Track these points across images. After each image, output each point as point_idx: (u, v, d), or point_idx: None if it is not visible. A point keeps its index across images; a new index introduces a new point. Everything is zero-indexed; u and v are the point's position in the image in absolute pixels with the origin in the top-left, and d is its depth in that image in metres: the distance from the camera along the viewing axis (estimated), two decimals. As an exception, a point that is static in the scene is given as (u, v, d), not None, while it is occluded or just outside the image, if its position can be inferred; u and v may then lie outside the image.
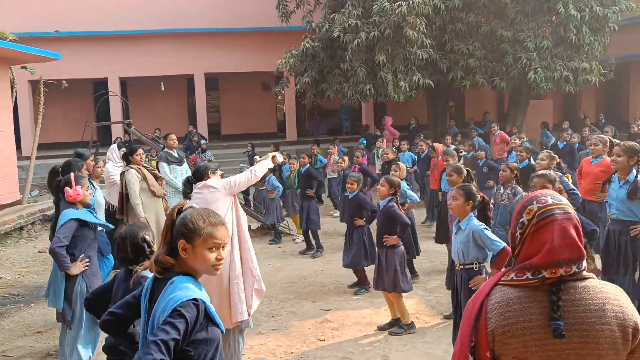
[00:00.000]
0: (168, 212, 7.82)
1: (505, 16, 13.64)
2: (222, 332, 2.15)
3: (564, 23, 13.11)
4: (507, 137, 12.50)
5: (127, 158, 7.00)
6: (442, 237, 7.47)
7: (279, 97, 24.07)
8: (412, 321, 5.56)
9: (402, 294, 5.52)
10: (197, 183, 4.55)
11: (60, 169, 4.89)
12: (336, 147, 13.06)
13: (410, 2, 11.72)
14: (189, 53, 18.40)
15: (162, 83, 18.55)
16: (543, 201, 1.68)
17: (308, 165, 9.39)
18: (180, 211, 2.18)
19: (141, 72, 18.51)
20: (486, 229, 4.18)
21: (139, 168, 6.93)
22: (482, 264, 4.26)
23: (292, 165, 10.20)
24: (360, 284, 6.94)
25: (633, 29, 16.35)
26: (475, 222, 4.22)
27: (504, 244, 4.12)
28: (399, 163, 7.94)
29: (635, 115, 19.63)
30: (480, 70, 13.77)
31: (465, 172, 5.49)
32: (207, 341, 2.08)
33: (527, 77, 13.02)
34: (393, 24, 12.10)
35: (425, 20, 12.33)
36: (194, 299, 2.04)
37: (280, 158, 5.07)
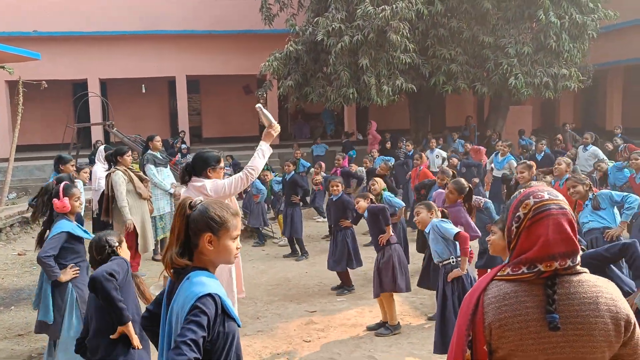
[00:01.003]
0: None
1: (487, 22, 13.83)
2: (238, 326, 2.15)
3: (544, 30, 13.34)
4: (479, 148, 12.61)
5: (115, 159, 6.91)
6: (422, 246, 7.54)
7: (262, 101, 24.14)
8: (399, 322, 5.59)
9: (395, 294, 5.59)
10: (193, 178, 4.36)
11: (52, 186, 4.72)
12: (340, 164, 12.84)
13: (394, 6, 11.82)
14: (170, 55, 18.28)
15: (143, 85, 18.39)
16: (540, 196, 1.71)
17: (293, 172, 9.37)
18: (191, 206, 2.13)
19: (122, 74, 18.33)
20: (443, 221, 4.45)
21: (126, 170, 6.85)
22: (458, 258, 4.42)
23: (266, 177, 10.18)
24: (344, 286, 6.95)
25: (610, 36, 16.72)
26: (435, 219, 4.48)
27: (458, 229, 4.38)
28: (375, 179, 7.88)
29: (613, 121, 20.06)
30: (462, 75, 13.93)
31: (467, 188, 5.54)
32: (224, 335, 2.06)
33: (508, 82, 13.20)
34: (377, 28, 12.18)
35: (408, 25, 12.43)
36: (210, 294, 2.03)
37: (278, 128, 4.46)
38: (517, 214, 1.73)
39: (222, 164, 4.42)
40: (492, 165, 10.82)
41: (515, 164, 10.43)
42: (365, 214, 5.83)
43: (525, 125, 19.22)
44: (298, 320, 5.99)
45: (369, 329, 5.64)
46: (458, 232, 4.34)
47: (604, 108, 21.11)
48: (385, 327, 5.53)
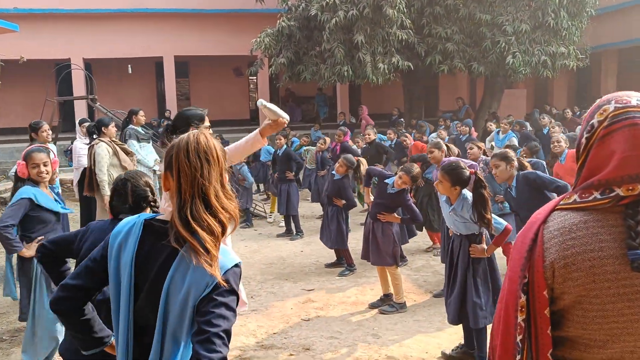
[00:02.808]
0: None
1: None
2: (245, 302, 1.79)
3: (542, 7, 12.99)
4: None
5: (98, 130, 6.45)
6: (423, 223, 7.22)
7: (251, 86, 23.52)
8: (405, 300, 5.26)
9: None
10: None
11: None
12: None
13: (390, -21, 11.40)
14: (158, 35, 17.71)
15: (129, 66, 17.82)
16: (624, 101, 1.32)
17: (285, 146, 8.94)
18: None
19: (107, 54, 17.74)
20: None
21: (111, 141, 6.42)
22: (481, 232, 3.98)
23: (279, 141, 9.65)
24: (342, 264, 6.62)
25: (604, 18, 16.41)
26: (469, 198, 3.90)
27: (506, 224, 3.86)
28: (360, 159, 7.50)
29: (607, 104, 19.84)
30: (458, 54, 13.55)
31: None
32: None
33: (506, 61, 12.85)
34: (372, 2, 11.75)
35: (405, 0, 12.02)
36: (238, 265, 1.66)
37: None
38: (591, 121, 1.34)
39: (206, 123, 3.89)
40: (493, 143, 10.53)
41: (516, 141, 10.14)
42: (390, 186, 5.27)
43: (520, 108, 18.97)
44: (295, 299, 5.64)
45: (372, 306, 5.32)
46: (505, 227, 3.80)
47: (598, 92, 20.86)
48: (390, 305, 5.20)
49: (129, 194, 2.54)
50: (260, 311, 5.34)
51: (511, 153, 4.50)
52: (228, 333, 1.54)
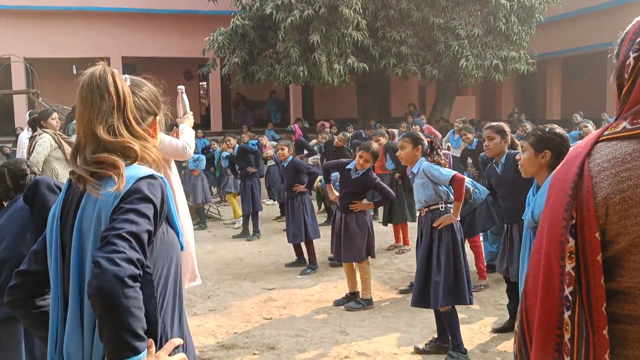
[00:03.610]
0: None
1: (437, 4, 13.59)
2: (181, 246, 1.51)
3: (493, 12, 13.25)
4: (433, 130, 12.37)
5: (39, 123, 5.97)
6: (388, 217, 7.10)
7: (202, 92, 22.99)
8: (371, 297, 5.05)
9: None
10: None
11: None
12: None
13: (346, -21, 11.32)
14: (104, 34, 17.02)
15: (74, 66, 17.01)
16: None
17: (237, 145, 8.59)
18: None
19: (50, 53, 16.89)
20: (435, 164, 3.92)
21: (55, 134, 5.94)
22: (447, 204, 3.92)
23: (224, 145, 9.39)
24: (302, 263, 6.37)
25: (550, 27, 16.93)
26: (425, 162, 3.94)
27: (454, 172, 3.88)
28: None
29: (552, 112, 20.49)
30: (412, 57, 13.64)
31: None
32: (168, 249, 1.43)
33: (459, 65, 13.01)
34: (328, 2, 11.63)
35: (360, 0, 11.97)
36: (154, 175, 1.40)
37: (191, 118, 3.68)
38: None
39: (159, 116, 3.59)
40: (449, 143, 10.56)
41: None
42: (360, 173, 5.00)
43: (469, 114, 19.29)
44: (255, 298, 5.34)
45: (337, 303, 5.08)
46: (454, 176, 3.84)
47: (544, 99, 21.54)
48: (356, 301, 4.98)
49: (7, 179, 2.78)
50: (218, 311, 5.01)
51: (507, 127, 4.33)
52: (137, 236, 1.27)
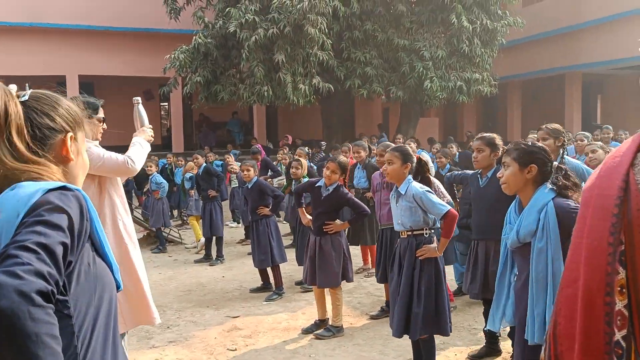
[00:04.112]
0: None
1: (402, 25, 13.67)
2: (118, 285, 1.23)
3: (457, 34, 13.38)
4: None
5: None
6: (353, 238, 6.87)
7: (163, 112, 22.47)
8: (342, 324, 4.77)
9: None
10: None
11: None
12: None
13: (312, -1, 11.22)
14: (60, 52, 16.45)
15: (27, 84, 16.27)
16: None
17: (204, 164, 8.28)
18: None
19: (1, 71, 16.19)
20: (429, 191, 3.59)
21: None
22: (432, 231, 3.66)
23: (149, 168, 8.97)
24: (268, 288, 6.06)
25: (511, 51, 17.28)
26: (416, 184, 3.64)
27: (449, 207, 3.54)
28: (300, 159, 7.22)
29: (513, 134, 20.82)
30: (377, 79, 13.62)
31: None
32: (96, 285, 1.14)
33: (424, 86, 13.04)
34: (293, 21, 11.50)
35: (326, 20, 11.89)
36: (66, 187, 1.13)
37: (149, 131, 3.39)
38: None
39: (100, 115, 3.16)
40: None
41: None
42: (330, 189, 4.75)
43: (433, 135, 19.43)
44: (218, 327, 4.99)
45: (305, 331, 4.78)
46: (449, 211, 3.48)
47: (504, 120, 21.92)
48: (326, 329, 4.69)
49: None
50: (179, 342, 4.64)
51: (499, 140, 4.13)
52: (47, 248, 0.99)
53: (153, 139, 3.39)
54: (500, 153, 3.99)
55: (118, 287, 1.25)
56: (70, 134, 1.30)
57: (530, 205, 2.53)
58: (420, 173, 3.75)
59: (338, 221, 4.75)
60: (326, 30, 11.95)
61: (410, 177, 3.68)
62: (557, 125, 4.60)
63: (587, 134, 6.77)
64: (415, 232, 3.61)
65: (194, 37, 12.28)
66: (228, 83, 12.63)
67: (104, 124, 3.26)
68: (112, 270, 1.23)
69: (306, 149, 9.72)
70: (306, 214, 5.02)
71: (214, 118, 21.21)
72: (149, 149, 3.31)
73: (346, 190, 4.77)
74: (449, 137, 17.88)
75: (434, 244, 3.58)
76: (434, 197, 3.56)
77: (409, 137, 15.93)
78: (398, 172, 3.66)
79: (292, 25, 11.53)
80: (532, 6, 17.53)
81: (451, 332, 3.66)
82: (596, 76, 19.25)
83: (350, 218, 4.90)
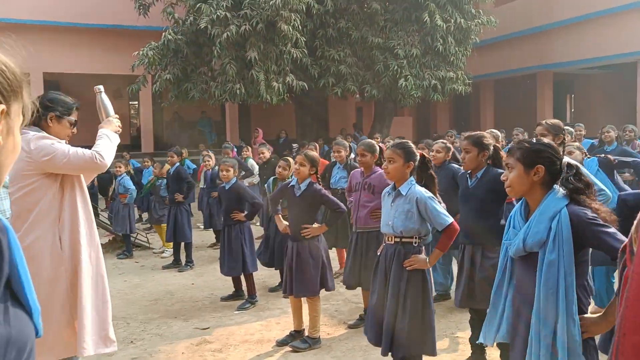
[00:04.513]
0: None
1: (375, 23, 13.51)
2: (36, 331, 0.97)
3: (431, 33, 13.27)
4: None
5: None
6: (330, 239, 6.64)
7: (132, 112, 21.90)
8: (319, 335, 4.53)
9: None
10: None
11: None
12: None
13: (285, -5, 10.94)
14: (23, 48, 15.80)
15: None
16: None
17: (177, 164, 7.91)
18: None
19: (-40, 68, 15.48)
20: (433, 198, 3.31)
21: None
22: (423, 240, 3.40)
23: (154, 170, 8.78)
24: (240, 296, 5.79)
25: (484, 50, 17.31)
26: (420, 188, 3.35)
27: (452, 220, 3.28)
28: (288, 158, 6.95)
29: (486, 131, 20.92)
30: (351, 77, 13.44)
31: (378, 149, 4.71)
32: (6, 348, 0.88)
33: (398, 84, 12.90)
34: (266, 18, 11.21)
35: (299, 16, 11.63)
36: None
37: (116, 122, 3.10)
38: None
39: (73, 117, 2.93)
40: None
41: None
42: (302, 188, 4.43)
43: (407, 134, 19.36)
44: (187, 341, 4.70)
45: (280, 343, 4.53)
46: (452, 224, 3.23)
47: (477, 119, 22.01)
48: (303, 340, 4.45)
49: None
50: (143, 359, 4.34)
51: (489, 139, 3.91)
52: None
53: (121, 130, 3.10)
54: (489, 152, 3.81)
55: (37, 333, 0.99)
56: (1, 107, 0.97)
57: (541, 212, 2.22)
58: (424, 171, 3.43)
59: (316, 224, 4.51)
60: (300, 27, 11.70)
61: (412, 178, 3.40)
62: (556, 121, 4.41)
63: (571, 129, 6.67)
64: (403, 240, 3.35)
65: (164, 34, 11.88)
66: (199, 81, 12.28)
67: (74, 128, 2.97)
68: (32, 315, 0.97)
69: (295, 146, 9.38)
70: (282, 220, 4.75)
71: (188, 117, 20.78)
72: (118, 140, 3.01)
73: (320, 187, 4.50)
74: (425, 141, 17.81)
75: (424, 255, 3.34)
76: (439, 206, 3.28)
77: (384, 137, 15.87)
78: (400, 171, 3.35)
79: (265, 22, 11.24)
80: (505, 6, 17.58)
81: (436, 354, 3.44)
82: (567, 75, 19.44)
83: (326, 219, 4.62)
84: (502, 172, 3.88)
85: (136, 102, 20.62)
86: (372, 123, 17.33)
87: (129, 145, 19.60)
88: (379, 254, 3.50)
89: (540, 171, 2.25)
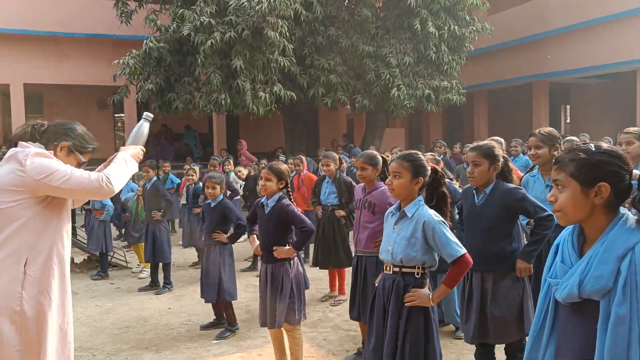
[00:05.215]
0: None
1: (367, 31, 13.09)
2: None
3: (424, 40, 12.87)
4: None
5: None
6: (323, 260, 6.15)
7: (119, 124, 21.32)
8: (303, 369, 4.01)
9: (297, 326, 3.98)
10: (21, 143, 2.43)
11: None
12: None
13: (272, 0, 10.46)
14: (4, 59, 15.29)
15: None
16: None
17: (154, 179, 7.35)
18: None
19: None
20: (443, 223, 2.77)
21: None
22: (427, 271, 2.85)
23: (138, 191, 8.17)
24: (221, 324, 5.25)
25: (477, 60, 16.96)
26: (429, 210, 2.81)
27: (464, 251, 2.73)
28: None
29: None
30: (341, 87, 12.98)
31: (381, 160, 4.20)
32: None
33: (391, 94, 12.45)
34: (252, 24, 10.74)
35: (287, 23, 11.18)
36: None
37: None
38: None
39: (84, 158, 2.61)
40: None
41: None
42: (270, 204, 3.96)
43: (399, 146, 18.95)
44: (156, 377, 4.16)
45: (261, 381, 4.00)
46: (464, 255, 2.70)
47: (471, 130, 21.64)
48: (285, 378, 3.92)
49: None
50: (103, 401, 3.80)
51: (498, 149, 3.40)
52: None
53: (141, 159, 2.70)
54: (500, 165, 3.31)
55: None
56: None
57: (606, 248, 1.62)
58: (435, 188, 2.91)
59: (288, 246, 3.97)
60: (287, 34, 11.25)
61: (421, 197, 2.88)
62: (551, 129, 3.98)
63: (575, 138, 6.19)
64: (404, 270, 2.81)
65: (145, 42, 11.38)
66: (183, 91, 11.76)
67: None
68: None
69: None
70: (256, 239, 4.22)
71: (177, 129, 20.26)
72: (135, 170, 2.61)
73: (288, 202, 3.94)
74: (419, 146, 17.45)
75: (427, 290, 2.79)
76: (449, 232, 2.74)
77: (376, 149, 15.40)
78: (406, 188, 2.82)
79: (251, 28, 10.77)
80: (499, 14, 17.25)
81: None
82: (562, 85, 19.12)
83: (294, 240, 4.05)
84: (514, 187, 3.42)
85: (123, 115, 20.12)
86: (363, 135, 16.88)
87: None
88: (376, 284, 2.98)
89: (604, 190, 1.65)
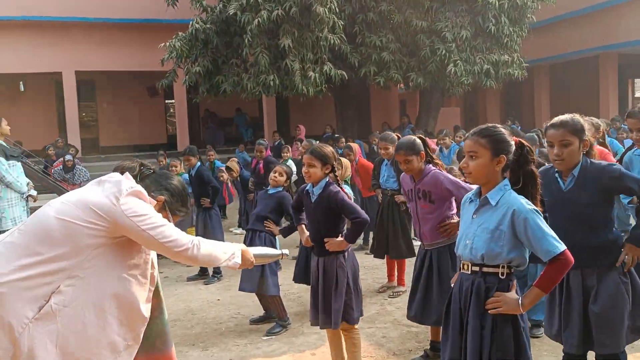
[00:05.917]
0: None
1: (420, 5, 12.37)
2: None
3: (482, 12, 12.06)
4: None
5: None
6: (378, 249, 5.75)
7: (171, 110, 21.39)
8: (362, 374, 3.60)
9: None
10: (128, 175, 2.28)
11: None
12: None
13: (320, -25, 9.99)
14: (55, 47, 15.44)
15: (21, 82, 15.42)
16: None
17: (198, 165, 7.05)
18: None
19: (-6, 68, 15.26)
20: (537, 212, 2.23)
21: None
22: (513, 271, 2.34)
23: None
24: (272, 318, 4.89)
25: (537, 33, 15.90)
26: (520, 197, 2.28)
27: (564, 247, 2.19)
28: (340, 159, 6.06)
29: (542, 120, 19.41)
30: (394, 65, 12.36)
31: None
32: None
33: (447, 70, 11.76)
34: (300, 1, 10.28)
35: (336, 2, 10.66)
36: None
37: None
38: None
39: (173, 218, 2.45)
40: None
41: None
42: (316, 192, 3.54)
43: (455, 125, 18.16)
44: (203, 378, 3.86)
45: (316, 385, 3.62)
46: (563, 252, 2.17)
47: (531, 108, 20.53)
48: (343, 384, 3.52)
49: None
50: (146, 405, 3.51)
51: (586, 123, 2.80)
52: None
53: (244, 267, 2.53)
54: (589, 141, 2.75)
55: None
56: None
57: None
58: (521, 166, 2.33)
59: (340, 237, 3.52)
60: (337, 10, 10.72)
61: (507, 179, 2.35)
62: (578, 119, 3.21)
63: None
64: (485, 269, 2.31)
65: (191, 23, 11.12)
66: (231, 73, 11.47)
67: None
68: None
69: (313, 141, 8.46)
70: (305, 230, 3.81)
71: (222, 114, 20.13)
72: (231, 264, 2.40)
73: (337, 189, 3.47)
74: (409, 125, 16.38)
75: (514, 294, 2.28)
76: (545, 224, 2.23)
77: (430, 129, 14.72)
78: (486, 169, 2.31)
79: (299, 5, 10.31)
80: (562, -18, 16.09)
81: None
82: (631, 57, 17.74)
83: (345, 231, 3.59)
84: (607, 164, 2.86)
85: (172, 100, 20.16)
86: (417, 115, 16.19)
87: (165, 144, 19.15)
88: (452, 285, 2.50)
89: None
